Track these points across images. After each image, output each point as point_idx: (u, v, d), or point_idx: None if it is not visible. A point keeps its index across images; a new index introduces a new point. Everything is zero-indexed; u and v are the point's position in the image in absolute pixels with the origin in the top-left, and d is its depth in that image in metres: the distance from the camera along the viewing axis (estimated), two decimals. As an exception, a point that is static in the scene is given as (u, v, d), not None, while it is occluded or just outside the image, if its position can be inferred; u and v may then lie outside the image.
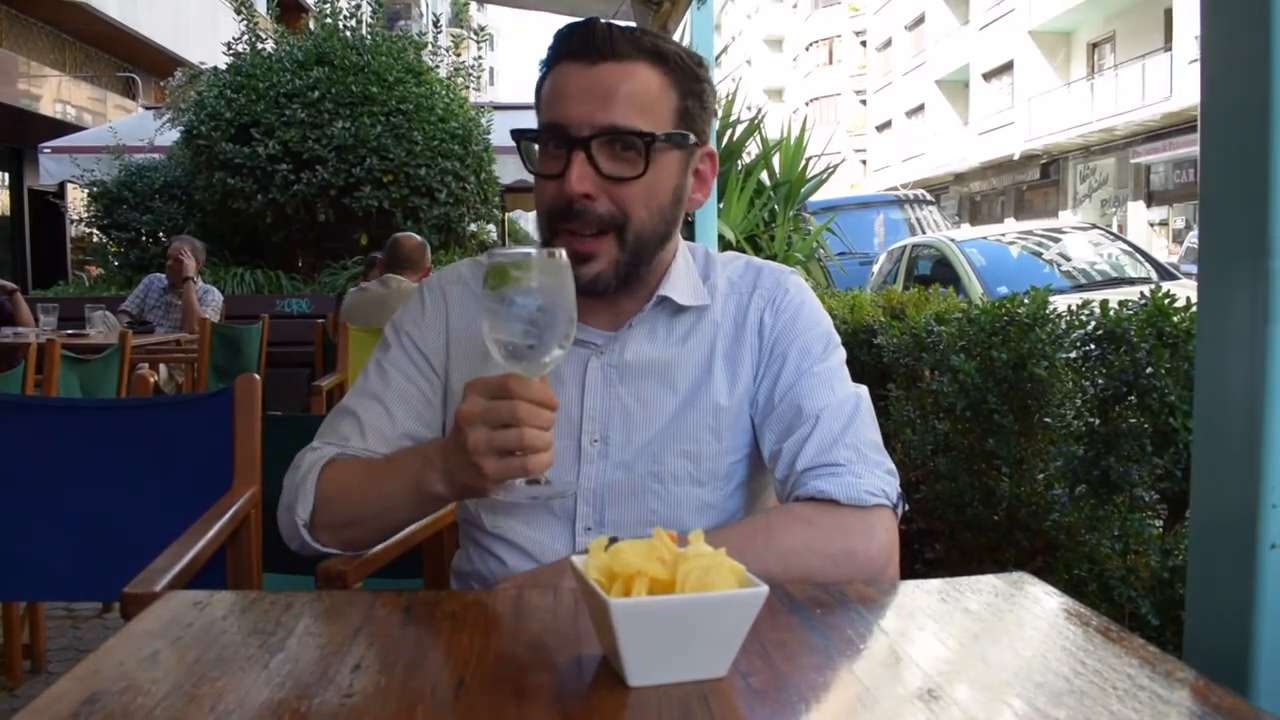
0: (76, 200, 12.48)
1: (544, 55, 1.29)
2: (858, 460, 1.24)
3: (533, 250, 1.04)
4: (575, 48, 1.24)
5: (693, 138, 1.29)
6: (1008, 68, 30.23)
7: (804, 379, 1.30)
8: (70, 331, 5.79)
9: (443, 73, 10.18)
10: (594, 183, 1.22)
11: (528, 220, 19.58)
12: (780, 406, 1.30)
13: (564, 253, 1.04)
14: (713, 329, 1.35)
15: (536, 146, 1.29)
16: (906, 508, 1.27)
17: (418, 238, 5.33)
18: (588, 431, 1.31)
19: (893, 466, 1.27)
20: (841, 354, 1.36)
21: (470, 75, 10.58)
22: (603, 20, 1.26)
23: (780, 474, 1.27)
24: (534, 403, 1.03)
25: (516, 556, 1.30)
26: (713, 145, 1.36)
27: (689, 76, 1.28)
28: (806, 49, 52.07)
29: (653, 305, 1.33)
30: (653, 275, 1.33)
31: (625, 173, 1.22)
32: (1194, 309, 1.97)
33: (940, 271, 8.33)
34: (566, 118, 1.22)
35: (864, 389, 1.33)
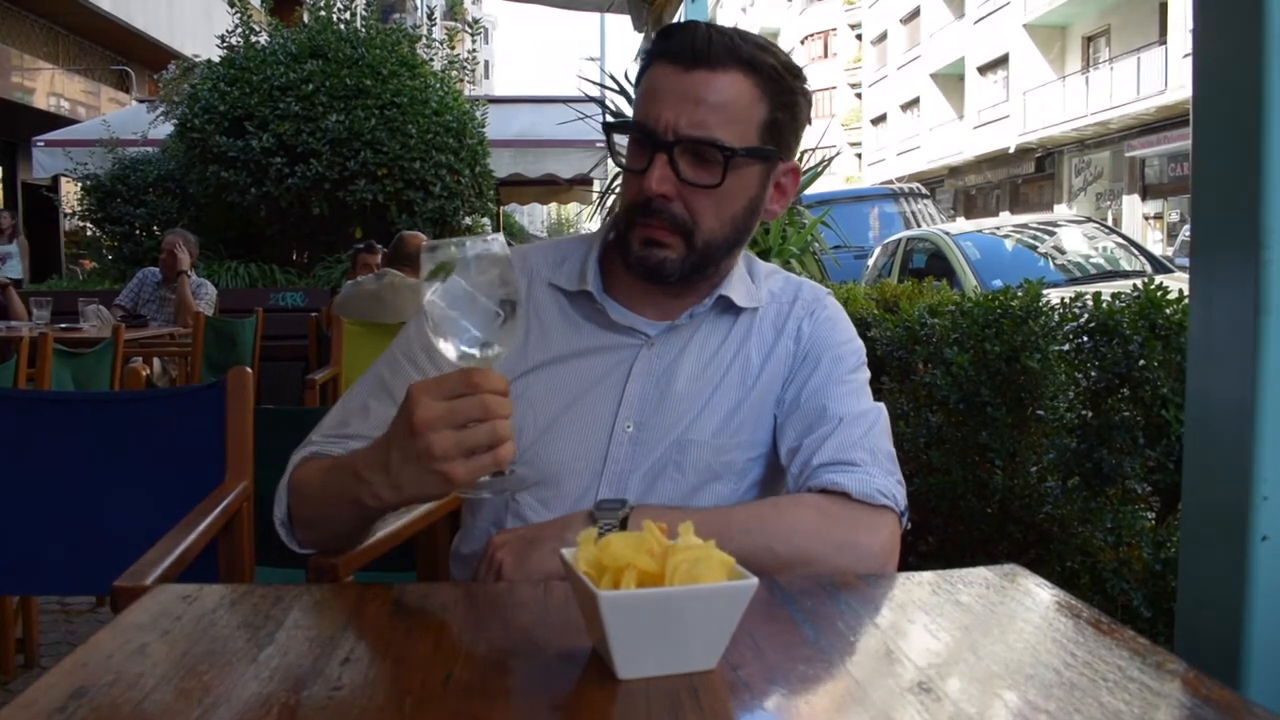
0: (70, 194, 12.43)
1: (647, 47, 1.33)
2: (872, 463, 1.27)
3: (466, 240, 0.99)
4: (673, 49, 1.27)
5: (776, 152, 1.31)
6: (1003, 61, 30.21)
7: (833, 385, 1.34)
8: (63, 325, 5.77)
9: (437, 66, 10.15)
10: (672, 185, 1.25)
11: (523, 214, 19.53)
12: (805, 406, 1.34)
13: (500, 238, 1.00)
14: (754, 332, 1.40)
15: (626, 139, 1.32)
16: (909, 525, 1.28)
17: (423, 237, 5.33)
18: (623, 417, 1.33)
19: (902, 479, 1.30)
20: (868, 374, 1.41)
21: (465, 68, 10.55)
22: (704, 24, 1.29)
23: (795, 468, 1.31)
24: (496, 392, 0.97)
25: None
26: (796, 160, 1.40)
27: (783, 89, 1.29)
28: (801, 42, 51.97)
29: (711, 303, 1.37)
30: (716, 276, 1.37)
31: (703, 180, 1.25)
32: (1186, 301, 1.98)
33: (935, 265, 8.34)
34: (655, 120, 1.25)
35: (884, 406, 1.37)
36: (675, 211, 1.26)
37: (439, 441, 0.96)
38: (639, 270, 1.31)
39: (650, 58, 1.30)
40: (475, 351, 0.98)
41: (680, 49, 1.25)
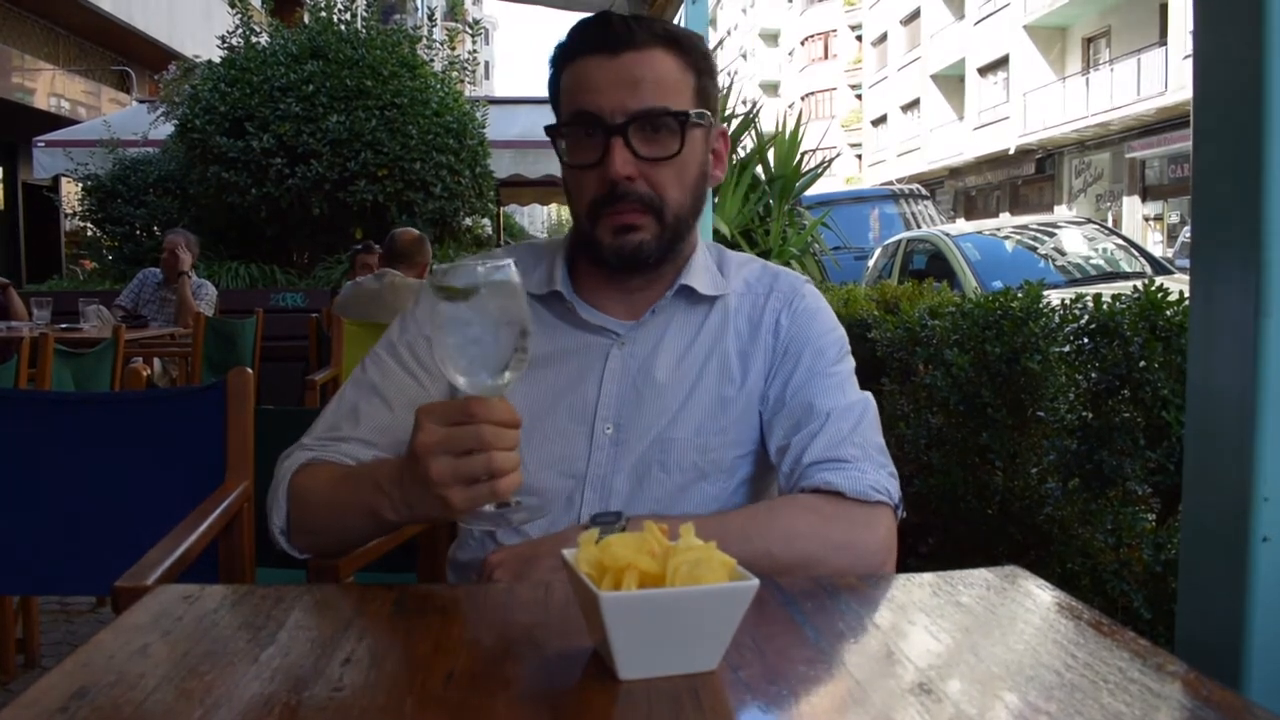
0: (70, 194, 12.43)
1: (554, 52, 1.33)
2: (864, 458, 1.27)
3: (479, 266, 0.98)
4: (595, 40, 1.28)
5: (710, 116, 1.34)
6: (1003, 62, 30.21)
7: (817, 379, 1.33)
8: (64, 326, 5.77)
9: (438, 67, 10.16)
10: (634, 166, 1.26)
11: (523, 215, 19.52)
12: (791, 404, 1.33)
13: (512, 265, 1.00)
14: (729, 325, 1.38)
15: (563, 141, 1.32)
16: (904, 515, 1.28)
17: (415, 231, 5.32)
18: (601, 418, 1.33)
19: (895, 471, 1.30)
20: (852, 362, 1.41)
21: (465, 69, 10.55)
22: (616, 13, 1.30)
23: (786, 468, 1.30)
24: (498, 424, 0.98)
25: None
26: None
27: (701, 56, 1.33)
28: (802, 43, 52.05)
29: (673, 294, 1.37)
30: (678, 260, 1.37)
31: (662, 153, 1.27)
32: (1187, 302, 1.98)
33: (935, 266, 8.34)
34: (599, 107, 1.26)
35: (871, 396, 1.36)
36: (642, 191, 1.28)
37: (436, 467, 0.98)
38: (615, 260, 1.31)
39: (567, 56, 1.31)
40: (487, 379, 0.98)
41: (603, 39, 1.28)
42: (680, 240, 1.34)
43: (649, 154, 1.27)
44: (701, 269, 1.39)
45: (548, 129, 1.35)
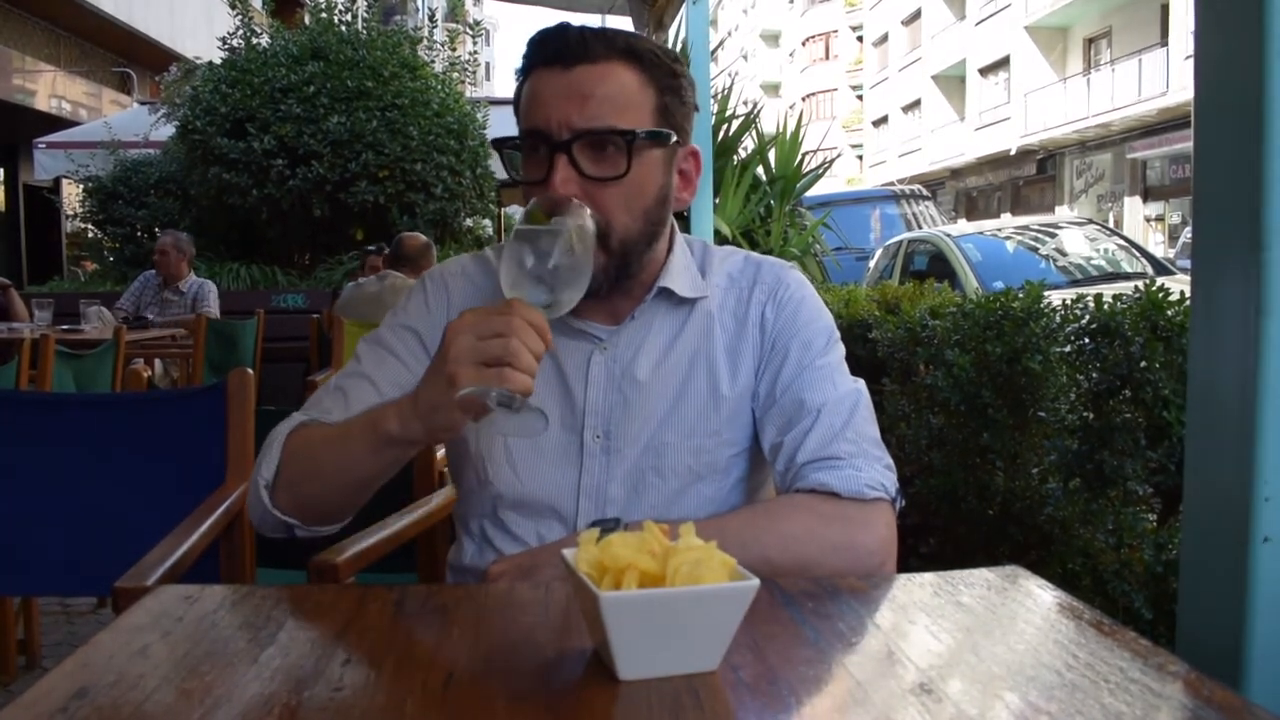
0: (71, 195, 12.46)
1: (519, 64, 1.30)
2: (858, 454, 1.24)
3: (572, 200, 1.12)
4: (549, 53, 1.24)
5: (674, 136, 1.28)
6: (1004, 63, 30.22)
7: (806, 373, 1.31)
8: (65, 327, 5.78)
9: (438, 68, 10.17)
10: (578, 185, 1.21)
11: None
12: (782, 400, 1.30)
13: (592, 220, 1.12)
14: (713, 322, 1.35)
15: (519, 155, 1.29)
16: (903, 503, 1.27)
17: (423, 238, 5.34)
18: (590, 427, 1.31)
19: (891, 461, 1.28)
20: (841, 349, 1.37)
21: (466, 70, 10.57)
22: (574, 25, 1.25)
23: (780, 467, 1.28)
24: (528, 321, 1.02)
25: (517, 551, 1.30)
26: (695, 143, 1.36)
27: (665, 73, 1.27)
28: (803, 44, 52.07)
29: (653, 298, 1.33)
30: (649, 270, 1.33)
31: (608, 173, 1.22)
32: (1187, 303, 1.98)
33: (936, 266, 8.34)
34: (546, 123, 1.22)
35: (863, 383, 1.34)
36: None
37: (458, 344, 1.03)
38: None
39: (526, 69, 1.27)
40: (536, 292, 1.06)
41: (557, 51, 1.23)
42: (633, 263, 1.28)
43: (595, 173, 1.21)
44: (681, 269, 1.35)
45: (493, 143, 1.32)
